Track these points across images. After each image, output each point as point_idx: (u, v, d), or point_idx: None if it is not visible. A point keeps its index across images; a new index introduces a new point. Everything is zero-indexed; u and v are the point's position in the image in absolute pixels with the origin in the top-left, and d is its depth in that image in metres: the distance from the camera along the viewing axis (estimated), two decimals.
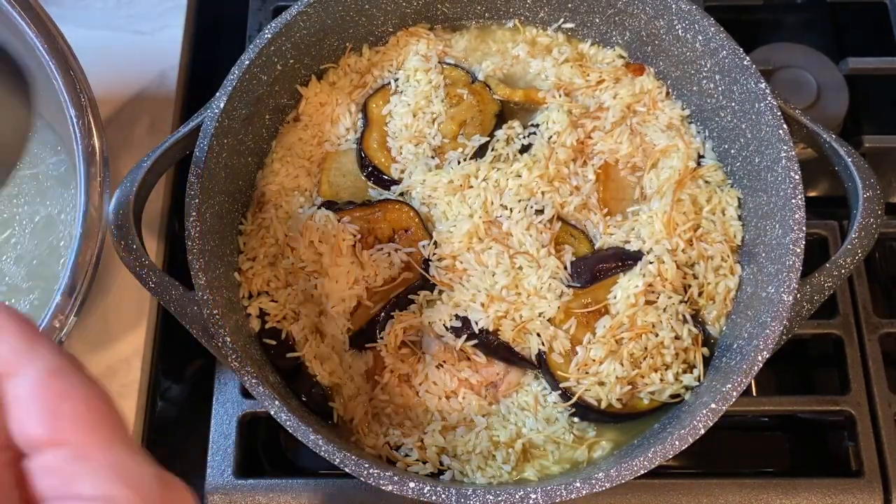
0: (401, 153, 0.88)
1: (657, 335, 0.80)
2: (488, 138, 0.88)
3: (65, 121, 0.79)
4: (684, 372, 0.80)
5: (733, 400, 0.71)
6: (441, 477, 0.78)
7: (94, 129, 0.78)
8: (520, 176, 0.85)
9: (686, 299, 0.82)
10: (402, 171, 0.88)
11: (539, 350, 0.80)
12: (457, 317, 0.81)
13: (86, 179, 0.77)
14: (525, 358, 0.81)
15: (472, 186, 0.85)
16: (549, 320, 0.81)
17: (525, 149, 0.88)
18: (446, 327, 0.81)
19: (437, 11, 0.95)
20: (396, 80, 0.91)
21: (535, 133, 0.89)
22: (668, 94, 0.92)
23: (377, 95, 0.91)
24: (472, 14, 0.96)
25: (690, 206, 0.85)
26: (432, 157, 0.88)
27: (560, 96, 0.90)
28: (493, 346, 0.80)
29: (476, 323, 0.80)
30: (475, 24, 0.97)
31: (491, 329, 0.80)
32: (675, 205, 0.84)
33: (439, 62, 0.92)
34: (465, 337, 0.80)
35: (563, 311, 0.81)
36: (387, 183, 0.88)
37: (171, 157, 0.84)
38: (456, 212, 0.84)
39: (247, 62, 0.84)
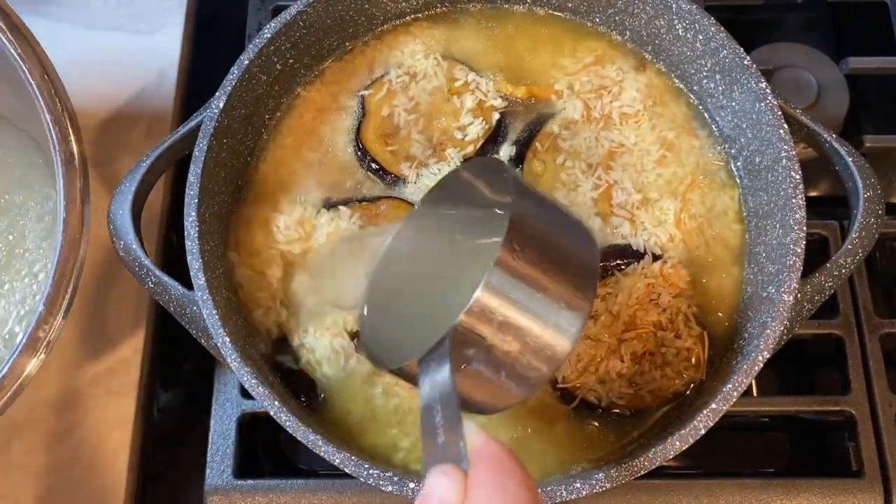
0: (400, 146, 0.88)
1: (657, 334, 0.80)
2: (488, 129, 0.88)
3: (40, 125, 0.79)
4: (686, 370, 0.80)
5: (734, 400, 0.71)
6: None
7: (70, 131, 0.78)
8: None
9: (690, 299, 0.82)
10: (401, 165, 0.88)
11: None
12: None
13: (65, 185, 0.76)
14: None
15: None
16: None
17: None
18: None
19: (438, 11, 0.95)
20: (396, 71, 0.91)
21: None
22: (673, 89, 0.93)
23: (375, 86, 0.91)
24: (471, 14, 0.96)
25: (700, 205, 0.86)
26: (432, 153, 0.88)
27: (571, 91, 0.91)
28: None
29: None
30: (476, 21, 0.96)
31: None
32: (685, 205, 0.84)
33: (440, 57, 0.92)
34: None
35: None
36: (386, 176, 0.88)
37: (170, 157, 0.84)
38: None
39: (246, 62, 0.84)
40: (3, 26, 0.79)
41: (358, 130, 0.90)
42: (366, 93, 0.91)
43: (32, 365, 0.71)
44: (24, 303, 0.83)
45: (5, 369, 0.70)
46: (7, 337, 0.82)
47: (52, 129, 0.77)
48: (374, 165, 0.88)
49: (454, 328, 0.52)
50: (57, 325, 0.72)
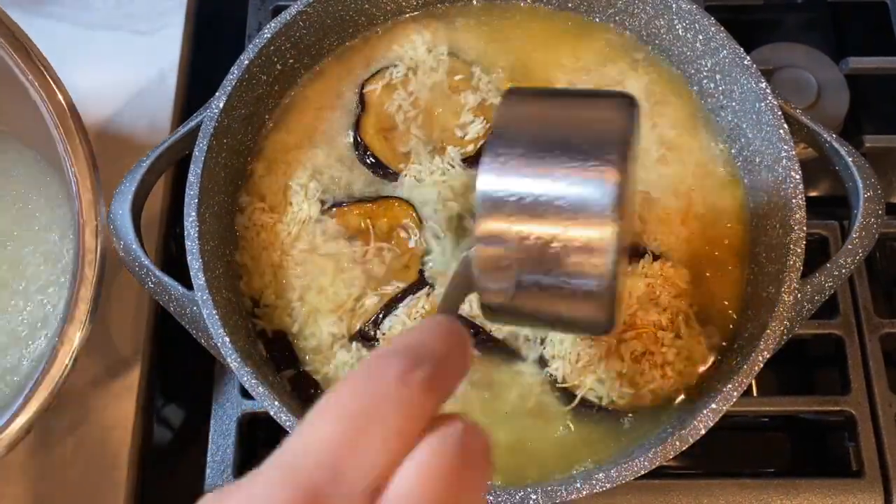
0: (399, 142, 0.88)
1: (657, 334, 0.79)
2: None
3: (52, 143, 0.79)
4: (686, 370, 0.80)
5: (734, 400, 0.71)
6: None
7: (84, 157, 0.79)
8: None
9: (690, 299, 0.82)
10: (402, 162, 0.87)
11: (541, 353, 0.80)
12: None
13: (75, 216, 0.77)
14: (521, 355, 0.81)
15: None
16: None
17: None
18: None
19: (438, 10, 0.95)
20: (396, 66, 0.91)
21: None
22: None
23: (375, 79, 0.91)
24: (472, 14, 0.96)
25: (700, 205, 0.85)
26: (431, 151, 0.88)
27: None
28: (489, 341, 0.81)
29: (473, 319, 0.80)
30: (477, 19, 0.96)
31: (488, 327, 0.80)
32: (685, 204, 0.85)
33: (441, 52, 0.91)
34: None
35: None
36: (385, 172, 0.88)
37: (170, 157, 0.84)
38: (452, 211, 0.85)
39: (246, 62, 0.84)
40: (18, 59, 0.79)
41: (357, 125, 0.89)
42: (366, 87, 0.91)
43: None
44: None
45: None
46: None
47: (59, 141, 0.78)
48: (372, 161, 0.87)
49: (467, 256, 0.52)
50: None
